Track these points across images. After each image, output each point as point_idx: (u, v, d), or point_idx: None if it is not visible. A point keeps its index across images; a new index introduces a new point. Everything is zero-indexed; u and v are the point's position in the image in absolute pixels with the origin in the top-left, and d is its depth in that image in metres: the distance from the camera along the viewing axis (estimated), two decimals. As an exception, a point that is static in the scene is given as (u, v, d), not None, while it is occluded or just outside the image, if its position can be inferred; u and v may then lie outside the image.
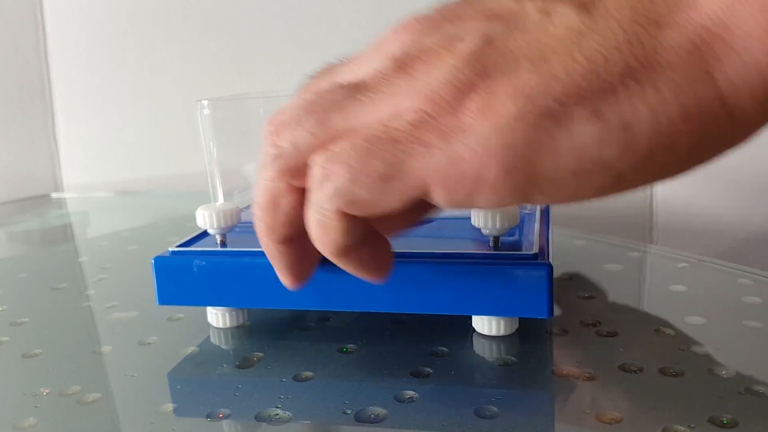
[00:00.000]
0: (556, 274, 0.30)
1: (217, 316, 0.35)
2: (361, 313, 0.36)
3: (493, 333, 0.32)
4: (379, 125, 0.21)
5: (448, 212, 0.39)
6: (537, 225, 0.34)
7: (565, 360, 0.30)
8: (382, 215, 0.22)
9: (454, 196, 0.20)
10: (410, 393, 0.28)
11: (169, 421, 0.27)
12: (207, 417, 0.27)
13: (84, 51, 0.84)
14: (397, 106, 0.21)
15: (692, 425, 0.25)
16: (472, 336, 0.33)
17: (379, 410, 0.27)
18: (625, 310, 0.36)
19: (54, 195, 0.86)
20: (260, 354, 0.32)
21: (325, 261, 0.32)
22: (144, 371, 0.32)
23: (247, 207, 0.42)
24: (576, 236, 0.52)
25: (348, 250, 0.24)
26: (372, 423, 0.26)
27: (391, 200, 0.21)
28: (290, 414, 0.27)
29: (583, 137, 0.19)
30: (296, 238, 0.26)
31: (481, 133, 0.19)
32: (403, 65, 0.21)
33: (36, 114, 0.85)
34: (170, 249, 0.34)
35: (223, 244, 0.34)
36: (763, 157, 0.64)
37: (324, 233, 0.23)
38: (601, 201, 0.24)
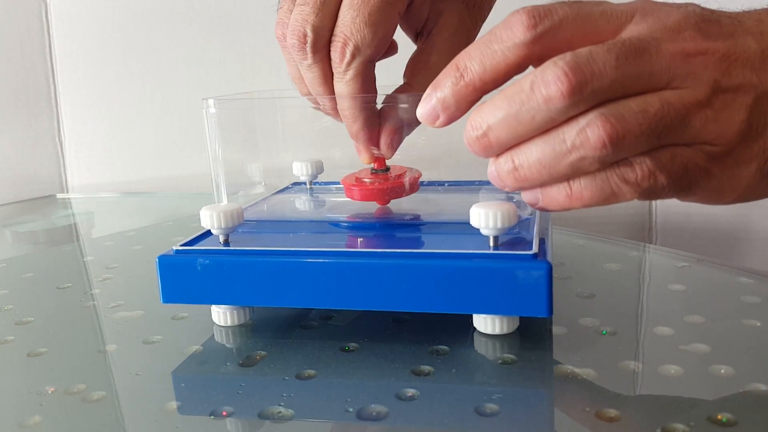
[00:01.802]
0: (556, 273, 0.31)
1: (220, 315, 0.35)
2: (362, 312, 0.36)
3: (494, 331, 0.32)
4: None
5: (448, 213, 0.40)
6: (536, 224, 0.34)
7: (565, 358, 0.31)
8: None
9: None
10: (411, 391, 0.28)
11: (173, 419, 0.28)
12: (211, 415, 0.27)
13: (89, 53, 0.84)
14: None
15: (691, 424, 0.25)
16: (472, 334, 0.33)
17: (381, 408, 0.27)
18: (624, 309, 0.36)
19: (59, 196, 0.87)
20: (263, 352, 0.33)
21: (326, 261, 0.32)
22: (148, 370, 0.32)
23: (250, 206, 0.42)
24: (576, 236, 0.52)
25: None
26: (373, 420, 0.26)
27: None
28: (293, 412, 0.27)
29: None
30: None
31: None
32: None
33: (42, 115, 0.86)
34: (174, 248, 0.34)
35: (227, 243, 0.35)
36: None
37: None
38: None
